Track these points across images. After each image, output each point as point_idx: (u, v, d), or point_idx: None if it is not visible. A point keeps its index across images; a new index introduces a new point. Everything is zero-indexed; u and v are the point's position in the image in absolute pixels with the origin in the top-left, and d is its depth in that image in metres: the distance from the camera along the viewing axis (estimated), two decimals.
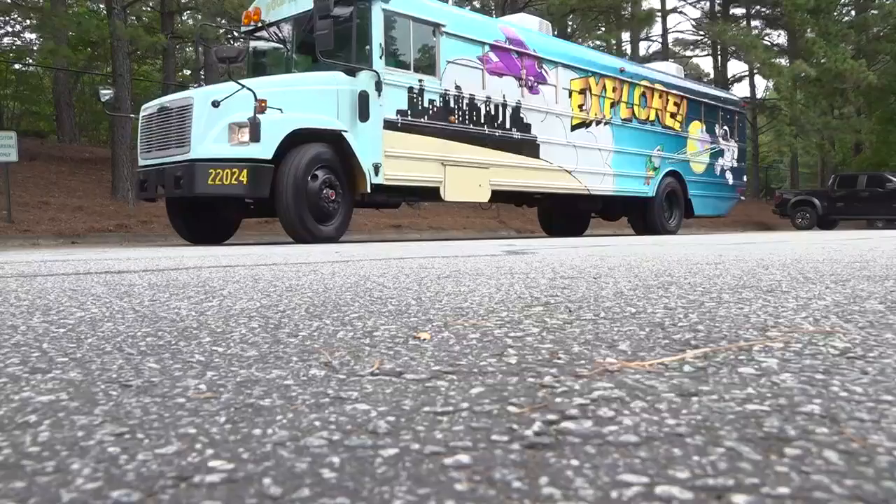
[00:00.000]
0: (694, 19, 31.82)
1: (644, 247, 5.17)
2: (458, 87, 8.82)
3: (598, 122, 11.08)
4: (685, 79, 13.90)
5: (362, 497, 0.51)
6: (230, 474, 0.56)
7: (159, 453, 0.61)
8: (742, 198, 15.07)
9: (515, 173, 9.58)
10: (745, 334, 1.18)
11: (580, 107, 10.75)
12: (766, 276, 2.32)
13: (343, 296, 1.85)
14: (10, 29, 22.18)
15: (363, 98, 7.64)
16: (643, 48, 31.35)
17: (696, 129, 13.35)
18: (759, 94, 33.71)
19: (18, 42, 23.35)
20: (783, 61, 25.22)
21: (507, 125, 9.51)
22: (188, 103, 7.12)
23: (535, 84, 10.02)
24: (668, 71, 13.33)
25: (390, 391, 0.82)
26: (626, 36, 27.31)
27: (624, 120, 11.60)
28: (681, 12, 41.05)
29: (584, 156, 10.67)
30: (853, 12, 29.56)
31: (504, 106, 9.48)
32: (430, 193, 8.70)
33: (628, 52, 27.77)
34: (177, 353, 1.09)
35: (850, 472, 0.54)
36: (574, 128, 10.63)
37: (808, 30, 24.70)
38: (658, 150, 12.22)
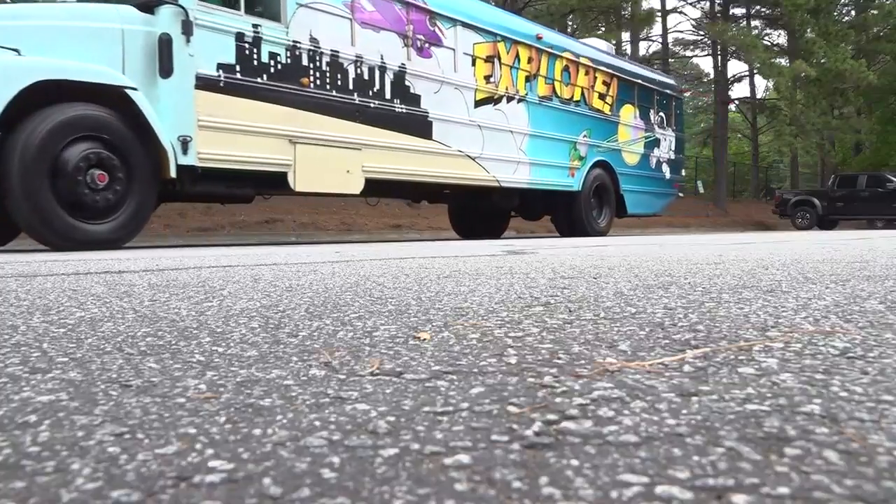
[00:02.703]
0: (694, 19, 31.87)
1: (643, 247, 5.17)
2: (314, 40, 6.63)
3: (509, 99, 8.99)
4: (615, 56, 12.08)
5: (362, 497, 0.51)
6: (230, 474, 0.56)
7: (159, 453, 0.61)
8: (680, 194, 13.25)
9: (399, 158, 7.45)
10: (745, 334, 1.18)
11: (486, 78, 8.66)
12: (766, 276, 2.32)
13: (343, 296, 1.85)
14: None
15: (165, 44, 5.44)
16: (643, 48, 31.39)
17: (629, 113, 11.50)
18: (759, 94, 33.76)
19: None
20: (783, 61, 25.25)
21: (388, 95, 7.36)
22: None
23: (427, 45, 7.87)
24: (596, 46, 11.53)
25: (390, 391, 0.82)
26: (626, 36, 27.33)
27: (542, 98, 9.58)
28: (681, 12, 41.13)
29: (491, 139, 8.64)
30: (853, 12, 29.60)
31: (383, 70, 7.32)
32: (277, 182, 6.52)
33: (628, 52, 27.79)
34: (177, 353, 1.09)
35: (850, 472, 0.54)
36: (479, 104, 8.53)
37: (808, 30, 24.74)
38: (584, 135, 10.33)
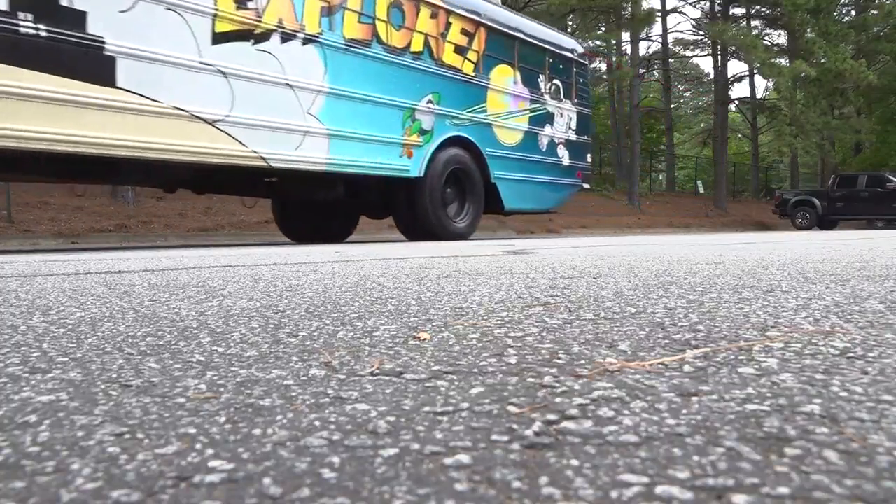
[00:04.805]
0: (694, 19, 31.89)
1: (643, 247, 5.17)
2: None
3: (286, 37, 6.09)
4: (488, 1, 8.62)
5: (362, 497, 0.51)
6: (230, 474, 0.56)
7: (159, 453, 0.61)
8: (586, 185, 10.39)
9: (40, 113, 4.61)
10: (745, 334, 1.18)
11: (239, 1, 5.76)
12: (766, 276, 2.32)
13: (343, 296, 1.85)
14: None
15: None
16: (643, 48, 31.40)
17: (505, 77, 8.58)
18: (759, 94, 33.77)
19: None
20: (783, 61, 25.25)
21: (3, 5, 4.46)
22: None
23: None
24: None
25: (390, 391, 0.82)
26: (626, 36, 27.33)
27: (353, 42, 6.66)
28: (681, 12, 41.17)
29: (250, 95, 5.78)
30: (853, 12, 29.62)
31: None
32: None
33: (628, 52, 27.79)
34: (177, 353, 1.09)
35: (850, 472, 0.54)
36: (222, 38, 5.61)
37: (808, 30, 24.74)
38: (429, 101, 7.48)
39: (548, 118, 9.31)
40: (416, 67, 7.41)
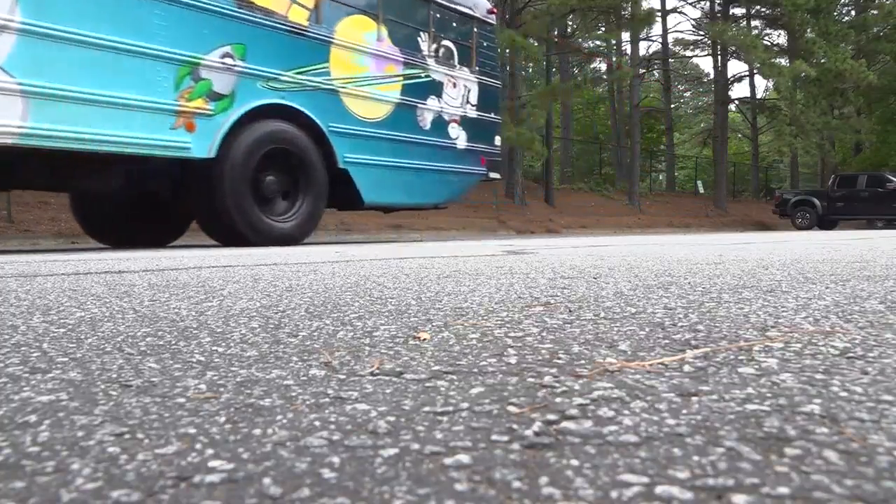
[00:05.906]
0: (694, 19, 31.91)
1: (643, 247, 5.17)
2: None
3: None
4: None
5: (362, 497, 0.51)
6: (230, 474, 0.56)
7: (159, 453, 0.61)
8: (494, 175, 8.33)
9: None
10: (745, 334, 1.17)
11: None
12: (766, 276, 2.32)
13: (343, 296, 1.85)
14: None
15: None
16: (643, 48, 31.41)
17: (362, 32, 6.60)
18: (759, 94, 33.77)
19: None
20: (783, 61, 25.25)
21: None
22: None
23: None
24: None
25: (390, 391, 0.82)
26: (626, 36, 27.33)
27: None
28: (681, 12, 41.19)
29: None
30: (853, 12, 29.62)
31: None
32: None
33: (628, 52, 27.78)
34: (177, 353, 1.09)
35: (850, 472, 0.54)
36: None
37: (808, 30, 24.74)
38: (225, 55, 5.53)
39: (432, 88, 7.29)
40: (201, 6, 5.36)
